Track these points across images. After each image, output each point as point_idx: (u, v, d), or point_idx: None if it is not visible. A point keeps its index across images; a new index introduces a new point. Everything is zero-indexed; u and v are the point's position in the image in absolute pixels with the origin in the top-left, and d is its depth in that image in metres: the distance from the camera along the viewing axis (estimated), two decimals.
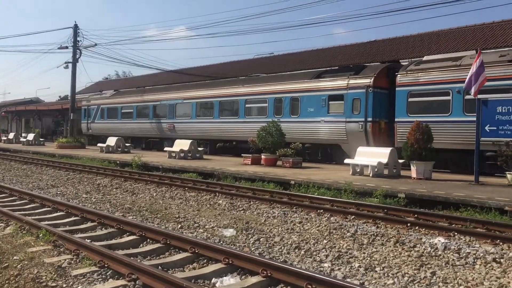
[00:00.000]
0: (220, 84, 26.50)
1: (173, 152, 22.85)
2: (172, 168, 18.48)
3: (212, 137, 25.62)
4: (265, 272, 5.50)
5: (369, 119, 18.43)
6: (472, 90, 13.28)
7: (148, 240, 7.28)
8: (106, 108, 34.41)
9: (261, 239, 7.75)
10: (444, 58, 17.39)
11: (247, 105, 23.46)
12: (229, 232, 8.24)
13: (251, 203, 11.37)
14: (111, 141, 27.96)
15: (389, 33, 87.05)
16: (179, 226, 8.76)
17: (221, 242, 7.56)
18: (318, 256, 6.82)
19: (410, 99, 17.11)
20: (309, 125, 20.26)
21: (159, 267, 5.92)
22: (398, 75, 17.64)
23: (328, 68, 23.02)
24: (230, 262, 5.97)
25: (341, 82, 19.56)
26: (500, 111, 12.58)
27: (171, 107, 28.13)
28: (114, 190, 13.54)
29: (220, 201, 11.64)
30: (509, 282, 5.70)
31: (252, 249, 7.19)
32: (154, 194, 12.83)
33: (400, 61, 21.97)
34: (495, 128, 12.72)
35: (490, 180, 13.83)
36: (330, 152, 20.45)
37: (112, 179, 15.95)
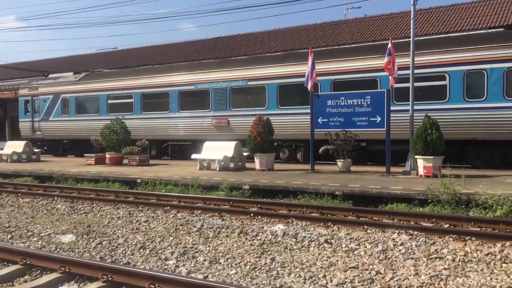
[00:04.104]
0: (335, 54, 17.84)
1: (4, 155, 20.63)
2: (3, 172, 16.67)
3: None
4: (105, 276, 5.24)
5: None
6: (308, 86, 14.30)
7: None
8: (73, 98, 23.19)
9: (103, 242, 7.39)
10: None
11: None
12: (68, 238, 7.70)
13: (94, 205, 10.80)
14: None
15: (231, 30, 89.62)
16: (9, 236, 7.92)
17: (58, 249, 7.02)
18: (164, 254, 6.73)
19: None
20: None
21: None
22: None
23: None
24: (67, 270, 5.56)
25: None
26: (330, 104, 13.77)
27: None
28: None
29: (59, 206, 10.84)
30: (337, 260, 6.26)
31: (93, 253, 6.81)
32: None
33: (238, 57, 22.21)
34: (326, 120, 13.90)
35: (324, 168, 15.08)
36: None
37: None
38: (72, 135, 22.79)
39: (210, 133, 18.69)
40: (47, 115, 24.12)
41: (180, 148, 20.81)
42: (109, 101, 21.87)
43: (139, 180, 13.37)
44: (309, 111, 14.53)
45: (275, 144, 15.93)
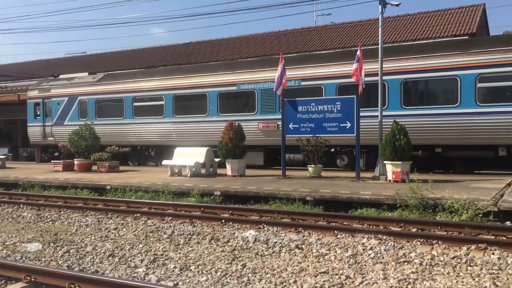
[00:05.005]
0: None
1: None
2: None
3: None
4: (72, 285, 5.12)
5: None
6: (278, 91, 14.38)
7: None
8: (93, 100, 21.16)
9: (71, 251, 7.25)
10: None
11: None
12: (34, 246, 7.51)
13: (62, 212, 10.58)
14: None
15: (202, 36, 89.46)
16: None
17: (24, 258, 6.85)
18: (133, 262, 6.63)
19: None
20: None
21: None
22: None
23: None
24: (33, 279, 5.43)
25: None
26: (301, 110, 13.88)
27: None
28: None
29: (25, 213, 10.57)
30: (308, 266, 6.30)
31: (60, 262, 6.67)
32: None
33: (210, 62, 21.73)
34: (298, 126, 13.99)
35: (295, 174, 15.16)
36: None
37: None
38: None
39: (256, 138, 16.81)
40: (61, 119, 22.03)
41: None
42: (135, 104, 19.90)
43: (108, 187, 13.17)
44: (372, 114, 14.41)
45: (332, 150, 15.16)
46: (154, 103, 19.48)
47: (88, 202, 11.63)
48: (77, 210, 10.71)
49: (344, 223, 8.81)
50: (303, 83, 16.51)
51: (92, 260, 6.80)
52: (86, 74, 23.55)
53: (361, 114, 13.72)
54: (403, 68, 14.88)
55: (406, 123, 13.65)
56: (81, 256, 7.01)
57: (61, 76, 24.10)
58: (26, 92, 24.03)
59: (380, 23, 14.01)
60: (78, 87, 21.87)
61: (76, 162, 17.96)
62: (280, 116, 15.09)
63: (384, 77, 14.38)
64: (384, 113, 14.07)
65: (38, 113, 22.98)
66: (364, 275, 5.82)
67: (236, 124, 15.29)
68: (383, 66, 14.10)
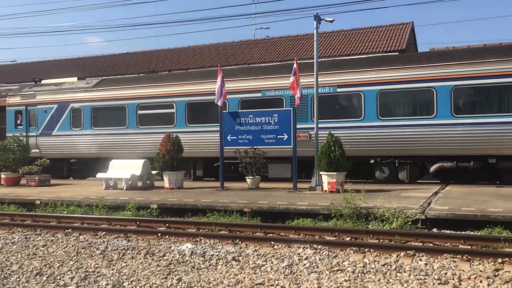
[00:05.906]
0: None
1: None
2: None
3: None
4: None
5: None
6: (219, 103, 14.37)
7: None
8: (88, 108, 18.88)
9: None
10: None
11: None
12: None
13: None
14: None
15: (142, 46, 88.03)
16: None
17: None
18: (63, 280, 6.38)
19: None
20: None
21: None
22: None
23: None
24: None
25: None
26: (239, 122, 13.95)
27: None
28: None
29: None
30: (244, 278, 6.30)
31: None
32: None
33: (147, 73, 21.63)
34: (235, 137, 14.04)
35: (234, 185, 15.15)
36: None
37: None
38: (85, 153, 18.63)
39: (283, 149, 14.44)
40: (49, 129, 19.49)
41: (239, 167, 16.33)
42: (140, 112, 17.90)
43: (38, 202, 12.56)
44: (415, 122, 14.08)
45: (371, 161, 14.79)
46: (162, 111, 17.61)
47: (15, 218, 11.03)
48: (2, 227, 10.13)
49: (281, 233, 8.89)
50: (338, 89, 15.35)
51: (17, 279, 6.47)
52: (75, 79, 21.35)
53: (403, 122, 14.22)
54: (452, 74, 14.03)
55: (456, 132, 13.59)
56: (5, 275, 6.65)
57: (44, 82, 21.78)
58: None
59: (315, 38, 14.40)
60: (70, 93, 19.51)
61: (2, 175, 17.02)
62: (313, 126, 14.20)
63: (432, 83, 14.08)
64: (432, 122, 13.99)
65: (19, 122, 20.41)
66: (299, 285, 5.90)
67: (174, 136, 15.11)
68: (430, 72, 14.11)
